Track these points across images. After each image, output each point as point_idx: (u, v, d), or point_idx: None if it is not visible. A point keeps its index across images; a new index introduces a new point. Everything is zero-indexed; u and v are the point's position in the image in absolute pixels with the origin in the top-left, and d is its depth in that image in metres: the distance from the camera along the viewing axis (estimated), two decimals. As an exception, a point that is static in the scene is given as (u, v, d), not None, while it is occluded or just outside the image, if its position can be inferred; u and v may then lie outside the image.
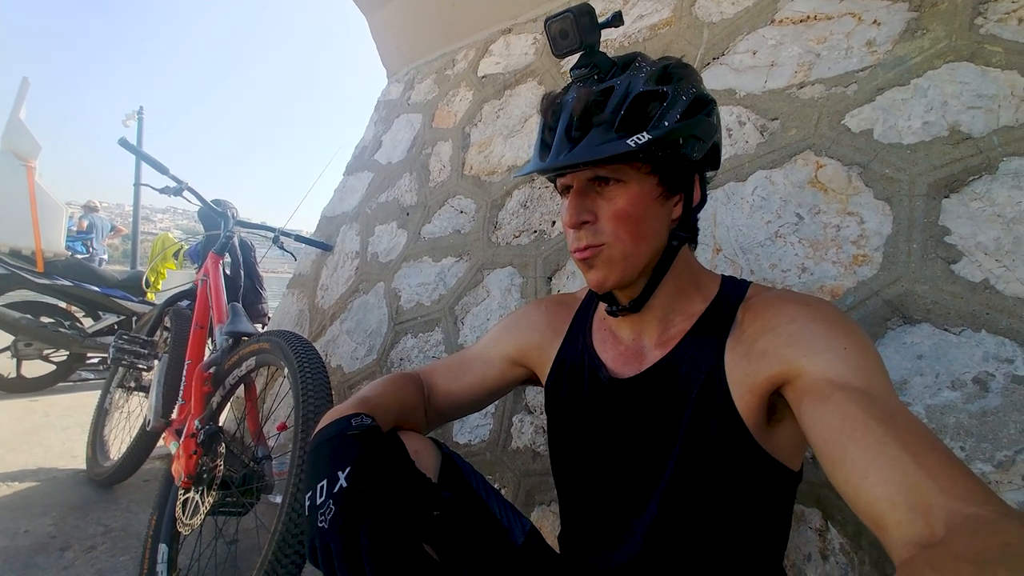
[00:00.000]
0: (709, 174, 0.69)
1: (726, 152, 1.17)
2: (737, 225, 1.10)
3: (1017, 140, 0.84)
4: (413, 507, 0.51)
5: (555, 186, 0.72)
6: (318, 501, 0.50)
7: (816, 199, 1.01)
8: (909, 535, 0.38)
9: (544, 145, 0.61)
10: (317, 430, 0.60)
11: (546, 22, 0.61)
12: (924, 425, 0.46)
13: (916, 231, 0.89)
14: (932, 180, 0.89)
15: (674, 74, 0.60)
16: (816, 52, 1.12)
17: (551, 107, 0.61)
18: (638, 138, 0.56)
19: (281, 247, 2.02)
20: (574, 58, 0.63)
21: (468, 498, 0.66)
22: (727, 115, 1.20)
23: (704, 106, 0.61)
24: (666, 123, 0.57)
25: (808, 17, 1.17)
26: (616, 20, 0.63)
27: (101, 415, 1.99)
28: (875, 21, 1.07)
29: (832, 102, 1.06)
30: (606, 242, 0.60)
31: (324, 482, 0.51)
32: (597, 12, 0.62)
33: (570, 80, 0.63)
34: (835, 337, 0.54)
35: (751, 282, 0.69)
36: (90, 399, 2.38)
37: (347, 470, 0.51)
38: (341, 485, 0.50)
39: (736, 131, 1.18)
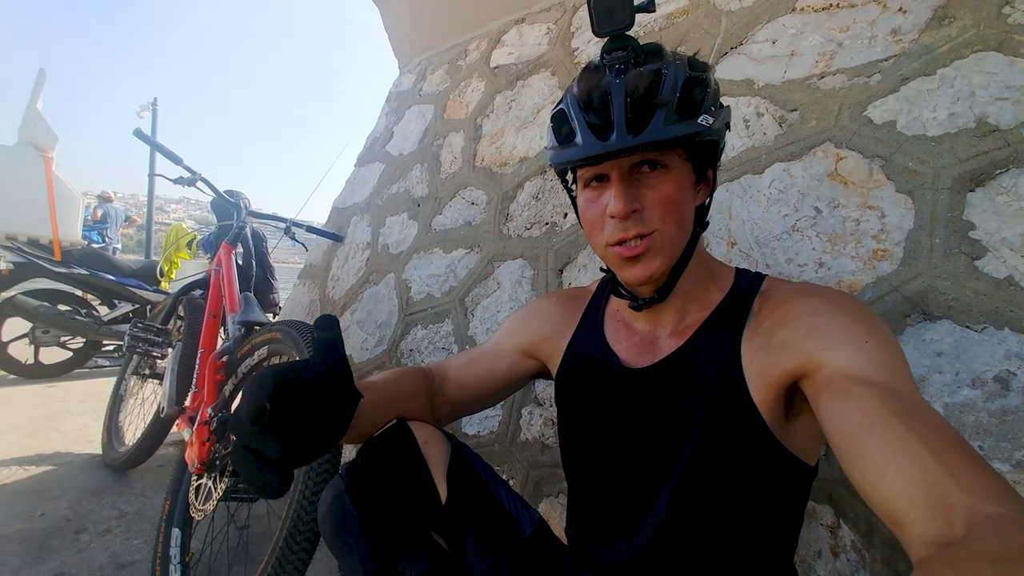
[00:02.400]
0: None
1: (743, 144, 1.15)
2: (753, 218, 1.08)
3: (1047, 132, 0.81)
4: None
5: (567, 179, 0.69)
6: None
7: (835, 192, 0.99)
8: (928, 533, 0.38)
9: (594, 129, 0.56)
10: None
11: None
12: (946, 422, 0.45)
13: (939, 226, 0.86)
14: (957, 173, 0.87)
15: (701, 65, 0.60)
16: (838, 41, 1.10)
17: (593, 90, 0.57)
18: (705, 119, 0.56)
19: (292, 237, 2.03)
20: (590, 49, 0.62)
21: (477, 489, 0.66)
22: (745, 106, 1.18)
23: (720, 96, 0.62)
24: (713, 107, 0.58)
25: (831, 5, 1.14)
26: (650, 6, 0.61)
27: (116, 401, 2.02)
28: (901, 8, 1.04)
29: (854, 93, 1.03)
30: (656, 229, 0.58)
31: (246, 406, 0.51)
32: None
33: (600, 64, 0.59)
34: (856, 330, 0.53)
35: (766, 275, 0.67)
36: (105, 386, 2.43)
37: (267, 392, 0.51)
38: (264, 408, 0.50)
39: (754, 122, 1.15)
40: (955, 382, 0.79)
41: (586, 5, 0.60)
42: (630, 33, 0.59)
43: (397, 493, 0.62)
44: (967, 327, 0.80)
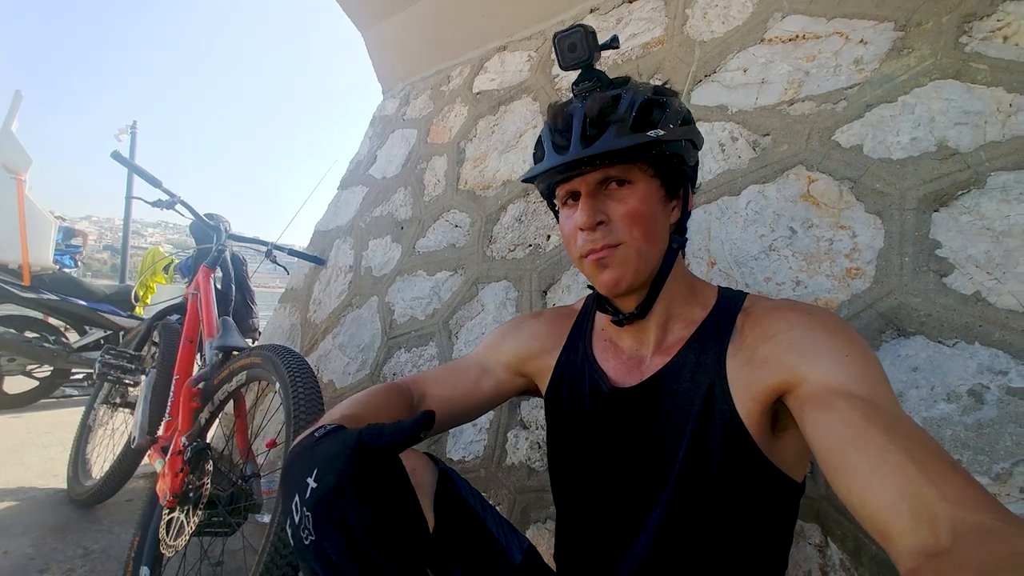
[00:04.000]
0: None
1: (720, 167, 1.19)
2: (731, 239, 1.10)
3: (1004, 155, 0.85)
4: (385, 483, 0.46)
5: (549, 200, 0.73)
6: (296, 518, 0.44)
7: (809, 213, 1.02)
8: (914, 544, 0.38)
9: (556, 147, 0.63)
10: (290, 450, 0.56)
11: (556, 36, 0.66)
12: (926, 433, 0.46)
13: (908, 244, 0.90)
14: (922, 194, 0.91)
15: (666, 91, 0.66)
16: (805, 70, 1.15)
17: (559, 114, 0.63)
18: (655, 132, 0.60)
19: (274, 261, 2.01)
20: (570, 75, 0.67)
21: (465, 516, 0.64)
22: (720, 131, 1.22)
23: (691, 120, 0.66)
24: (671, 125, 0.62)
25: (797, 36, 1.19)
26: (614, 42, 0.69)
27: (84, 432, 1.94)
28: (862, 40, 1.09)
29: (822, 118, 1.08)
30: (623, 240, 0.62)
31: (296, 498, 0.45)
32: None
33: (572, 94, 0.67)
34: (836, 345, 0.54)
35: (748, 293, 0.69)
36: (73, 416, 2.33)
37: (314, 471, 0.45)
38: (311, 487, 0.44)
39: (729, 146, 1.19)
40: (931, 396, 0.80)
41: (551, 43, 0.68)
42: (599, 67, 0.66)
43: (383, 524, 0.60)
44: (940, 342, 0.82)
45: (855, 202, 0.97)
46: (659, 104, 0.62)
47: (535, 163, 0.67)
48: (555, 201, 0.71)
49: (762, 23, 1.27)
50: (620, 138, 0.59)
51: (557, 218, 0.72)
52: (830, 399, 0.50)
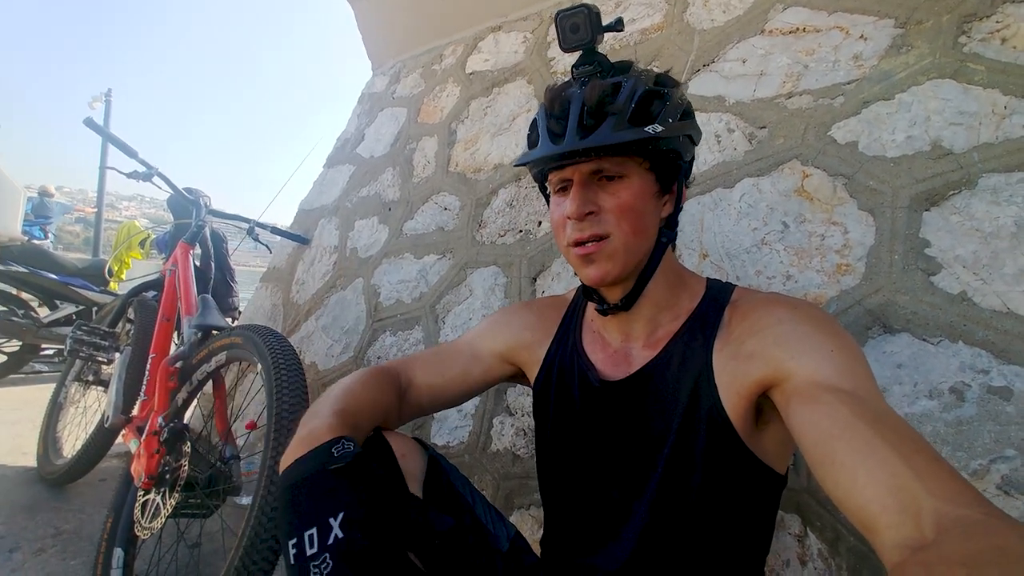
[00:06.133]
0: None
1: (715, 158, 1.18)
2: (724, 231, 1.10)
3: (996, 157, 0.86)
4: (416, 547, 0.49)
5: (541, 185, 0.71)
6: (309, 552, 0.46)
7: (802, 208, 1.02)
8: (899, 537, 0.38)
9: (552, 134, 0.61)
10: (294, 460, 0.55)
11: (557, 15, 0.64)
12: (910, 427, 0.46)
13: (898, 242, 0.90)
14: (914, 193, 0.91)
15: (667, 82, 0.64)
16: (804, 63, 1.14)
17: (556, 98, 0.61)
18: (653, 128, 0.58)
19: (256, 239, 1.95)
20: (567, 59, 0.65)
21: (454, 503, 0.63)
22: (716, 122, 1.21)
23: (691, 113, 0.65)
24: (670, 120, 0.60)
25: (797, 29, 1.18)
26: (618, 25, 0.67)
27: (55, 410, 1.88)
28: (862, 36, 1.09)
29: (819, 113, 1.07)
30: (610, 232, 0.60)
31: (314, 531, 0.47)
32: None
33: (571, 77, 0.65)
34: (822, 339, 0.54)
35: (736, 285, 0.69)
36: (43, 393, 2.25)
37: (340, 516, 0.48)
38: (336, 535, 0.47)
39: (725, 138, 1.18)
40: (914, 393, 0.82)
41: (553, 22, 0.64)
42: (601, 50, 0.63)
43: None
44: (924, 340, 0.83)
45: (848, 199, 0.98)
46: (660, 96, 0.60)
47: (529, 146, 0.66)
48: (547, 186, 0.69)
49: (763, 14, 1.25)
50: (617, 132, 0.57)
51: (548, 202, 0.70)
52: (816, 393, 0.50)
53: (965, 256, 0.85)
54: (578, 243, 0.61)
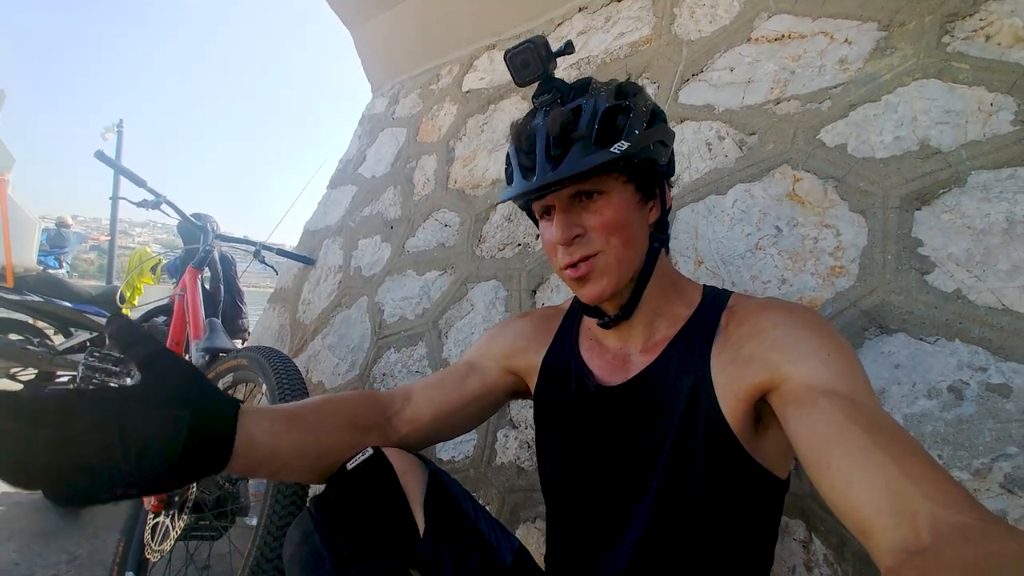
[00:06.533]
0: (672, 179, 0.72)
1: (707, 166, 1.19)
2: (718, 237, 1.11)
3: (985, 154, 0.86)
4: None
5: (528, 212, 0.72)
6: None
7: (794, 212, 1.03)
8: (895, 541, 0.38)
9: (524, 169, 0.62)
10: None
11: (506, 55, 0.65)
12: (906, 431, 0.46)
13: (890, 243, 0.90)
14: (904, 193, 0.92)
15: (628, 90, 0.64)
16: (791, 69, 1.15)
17: (522, 133, 0.62)
18: (619, 146, 0.58)
19: (263, 261, 1.99)
20: (560, 74, 0.67)
21: (456, 517, 0.64)
22: (707, 130, 1.22)
23: (659, 116, 0.65)
24: (636, 131, 0.60)
25: (783, 36, 1.20)
26: (568, 48, 0.68)
27: (70, 436, 1.91)
28: (846, 40, 1.10)
29: (807, 117, 1.08)
30: (600, 250, 0.61)
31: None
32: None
33: (533, 108, 0.66)
34: (818, 343, 0.55)
35: (732, 291, 0.69)
36: (59, 419, 2.29)
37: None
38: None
39: (716, 145, 1.20)
40: (912, 393, 0.81)
41: (503, 60, 0.66)
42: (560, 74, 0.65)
43: (373, 530, 0.59)
44: (921, 339, 0.83)
45: (839, 201, 0.98)
46: (622, 109, 0.61)
47: (507, 181, 0.67)
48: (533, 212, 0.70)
49: (748, 22, 1.27)
50: (585, 157, 0.58)
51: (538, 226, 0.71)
52: (812, 397, 0.50)
53: (958, 254, 0.85)
54: (569, 266, 0.62)
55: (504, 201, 0.65)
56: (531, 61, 0.64)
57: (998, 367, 0.76)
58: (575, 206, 0.62)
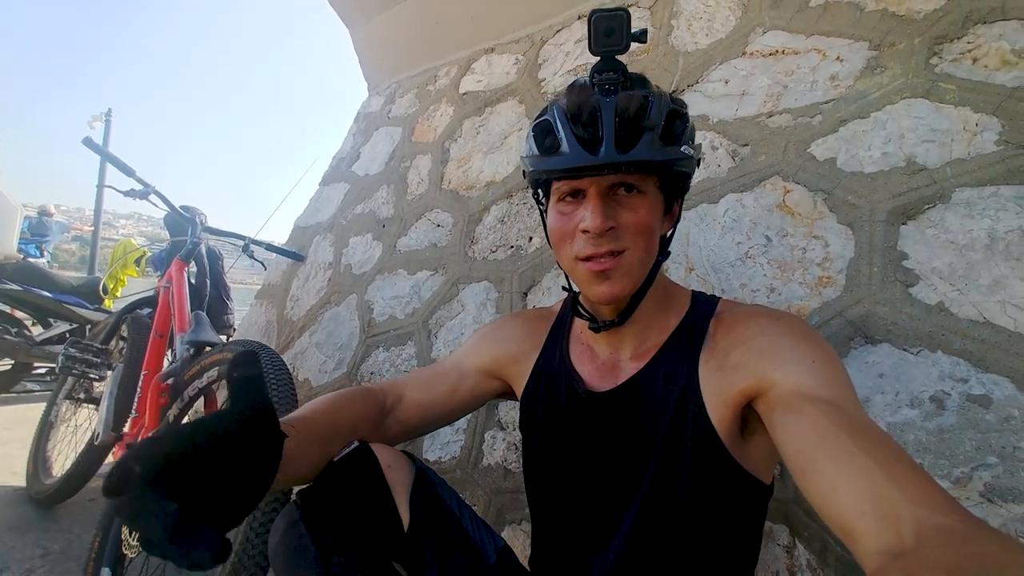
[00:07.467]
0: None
1: (700, 175, 1.21)
2: (709, 245, 1.12)
3: (969, 172, 0.89)
4: None
5: (536, 191, 0.69)
6: None
7: (784, 222, 1.04)
8: (879, 544, 0.39)
9: (581, 141, 0.57)
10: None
11: (593, 14, 0.59)
12: (890, 437, 0.47)
13: (876, 255, 0.93)
14: (891, 207, 0.94)
15: (681, 102, 0.62)
16: (784, 84, 1.18)
17: (583, 105, 0.57)
18: (687, 148, 0.58)
19: (251, 256, 1.96)
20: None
21: (441, 515, 0.64)
22: (701, 140, 1.24)
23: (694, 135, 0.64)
24: (691, 141, 0.60)
25: (777, 51, 1.23)
26: (643, 36, 0.62)
27: (45, 428, 1.86)
28: (838, 58, 1.13)
29: (799, 131, 1.11)
30: (627, 248, 0.59)
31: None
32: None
33: (588, 82, 0.60)
34: (804, 350, 0.56)
35: (720, 298, 0.70)
36: (34, 412, 2.23)
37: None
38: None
39: (709, 155, 1.22)
40: (895, 402, 0.83)
41: (586, 23, 0.60)
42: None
43: (357, 522, 0.59)
44: (905, 350, 0.85)
45: (828, 213, 1.00)
46: (681, 116, 0.60)
47: (542, 152, 0.60)
48: (539, 192, 0.67)
49: (744, 37, 1.30)
50: (658, 149, 0.56)
51: (541, 211, 0.68)
52: (798, 403, 0.51)
53: (941, 268, 0.87)
54: (591, 257, 0.59)
55: (548, 171, 0.60)
56: (616, 31, 0.58)
57: (979, 378, 0.78)
58: (610, 197, 0.60)
